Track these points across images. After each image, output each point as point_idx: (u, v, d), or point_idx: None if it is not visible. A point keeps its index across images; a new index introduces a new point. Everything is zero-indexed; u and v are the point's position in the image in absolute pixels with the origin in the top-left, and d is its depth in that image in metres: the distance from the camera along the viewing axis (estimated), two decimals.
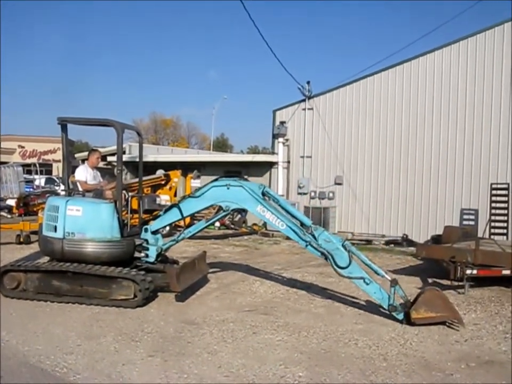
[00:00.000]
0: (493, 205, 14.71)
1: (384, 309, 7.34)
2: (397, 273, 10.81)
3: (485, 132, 15.55)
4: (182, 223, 8.74)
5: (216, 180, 8.21)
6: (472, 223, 15.24)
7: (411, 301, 7.13)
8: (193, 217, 14.74)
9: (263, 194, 7.98)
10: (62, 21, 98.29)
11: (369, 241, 16.04)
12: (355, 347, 6.13)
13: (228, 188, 8.03)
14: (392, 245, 15.44)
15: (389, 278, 7.31)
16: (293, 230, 7.78)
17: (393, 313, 7.16)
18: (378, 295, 7.30)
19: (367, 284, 7.34)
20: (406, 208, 16.80)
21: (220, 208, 17.47)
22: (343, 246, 7.51)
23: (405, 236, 16.09)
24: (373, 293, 7.35)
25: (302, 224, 7.94)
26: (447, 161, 16.17)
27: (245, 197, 7.97)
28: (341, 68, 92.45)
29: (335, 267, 7.45)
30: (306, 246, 7.69)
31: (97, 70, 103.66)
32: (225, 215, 8.54)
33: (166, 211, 8.40)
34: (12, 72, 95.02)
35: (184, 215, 8.31)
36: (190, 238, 8.98)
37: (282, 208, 8.13)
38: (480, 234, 13.80)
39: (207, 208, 8.33)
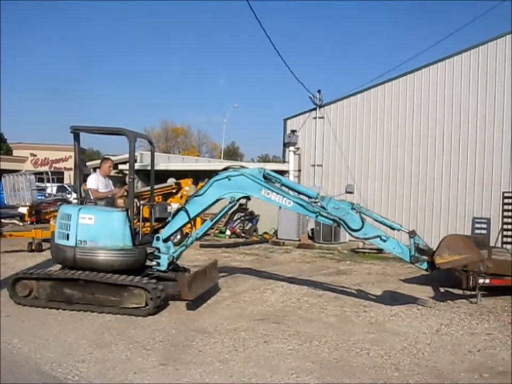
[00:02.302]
0: (505, 213, 14.55)
1: (406, 262, 7.57)
2: (408, 282, 10.80)
3: (496, 141, 15.52)
4: (190, 229, 8.75)
5: (216, 174, 8.21)
6: (484, 232, 15.15)
7: (434, 250, 7.17)
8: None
9: (265, 177, 8.01)
10: (68, 26, 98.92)
11: (380, 250, 15.91)
12: (367, 356, 6.09)
13: (229, 179, 8.04)
14: None
15: (407, 231, 7.37)
16: (300, 205, 7.90)
17: (416, 264, 7.32)
18: (397, 249, 7.43)
19: (384, 241, 7.47)
20: (417, 217, 16.73)
21: (232, 213, 17.52)
22: (353, 209, 7.58)
23: (416, 245, 15.96)
24: (392, 248, 7.47)
25: (309, 197, 8.11)
26: (458, 170, 16.13)
27: (247, 184, 8.00)
28: (352, 76, 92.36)
29: (350, 231, 7.60)
30: (317, 216, 7.81)
31: (108, 78, 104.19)
32: (231, 207, 8.49)
33: (173, 216, 8.41)
34: (22, 80, 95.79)
35: (192, 216, 8.32)
36: (199, 239, 8.96)
37: (286, 186, 8.21)
38: (492, 243, 13.69)
39: (213, 204, 8.27)
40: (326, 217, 7.73)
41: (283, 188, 8.23)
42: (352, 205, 7.74)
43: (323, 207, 7.75)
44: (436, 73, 16.75)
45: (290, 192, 8.26)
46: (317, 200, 7.93)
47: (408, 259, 7.42)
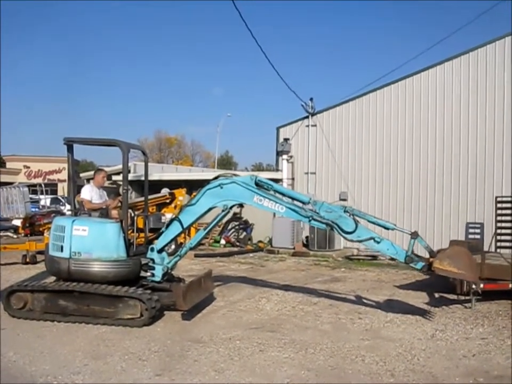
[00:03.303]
0: (499, 218, 14.60)
1: (401, 262, 7.61)
2: (403, 288, 10.83)
3: (488, 145, 15.60)
4: (184, 239, 8.75)
5: (208, 183, 8.23)
6: (478, 236, 15.19)
7: (436, 251, 7.36)
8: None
9: (257, 184, 8.05)
10: (61, 37, 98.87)
11: (374, 257, 15.97)
12: (362, 363, 6.10)
13: (221, 187, 8.06)
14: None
15: (409, 232, 7.49)
16: (293, 210, 7.96)
17: (411, 264, 7.39)
18: (391, 250, 7.48)
19: (378, 243, 7.52)
20: (411, 223, 16.74)
21: (227, 222, 17.52)
22: (346, 211, 7.65)
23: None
24: (386, 249, 7.54)
25: (302, 202, 8.18)
26: (451, 175, 16.20)
27: (239, 192, 8.04)
28: (344, 84, 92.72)
29: (343, 234, 7.66)
30: (310, 221, 7.87)
31: (101, 89, 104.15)
32: (224, 215, 8.48)
33: (167, 226, 8.40)
34: (15, 91, 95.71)
35: (185, 226, 8.33)
36: (193, 249, 8.96)
37: (278, 192, 8.26)
38: (486, 248, 13.74)
39: (206, 213, 8.28)
40: (319, 221, 7.78)
41: (276, 194, 8.27)
42: (345, 208, 7.79)
43: (316, 212, 7.79)
44: (427, 79, 16.86)
45: (284, 198, 8.31)
46: (309, 204, 7.98)
47: (402, 259, 7.47)
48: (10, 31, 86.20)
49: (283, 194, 8.39)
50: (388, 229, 7.84)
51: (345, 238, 7.77)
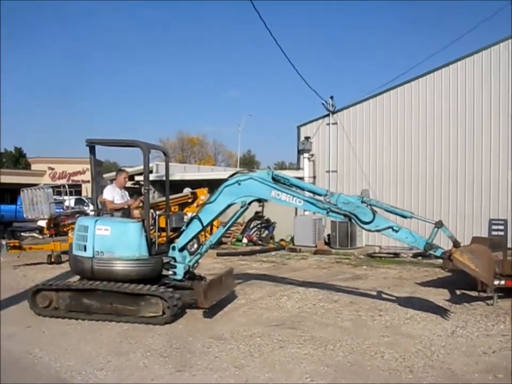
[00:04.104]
0: None
1: (419, 249, 7.78)
2: (425, 286, 10.80)
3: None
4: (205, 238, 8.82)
5: (226, 180, 8.32)
6: (501, 233, 15.06)
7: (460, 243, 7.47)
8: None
9: (273, 179, 8.12)
10: (78, 39, 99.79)
11: (397, 254, 15.94)
12: (381, 359, 6.14)
13: (239, 184, 8.17)
14: (420, 258, 15.27)
15: (432, 221, 7.62)
16: (310, 203, 8.05)
17: (430, 252, 7.47)
18: (410, 239, 7.54)
19: (396, 232, 7.58)
20: (434, 220, 16.67)
21: (249, 221, 17.58)
22: (363, 202, 7.70)
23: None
24: (404, 238, 7.58)
25: (319, 194, 8.30)
26: (473, 172, 16.07)
27: (257, 187, 8.13)
28: (364, 81, 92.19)
29: (361, 224, 7.74)
30: (328, 213, 7.94)
31: (123, 91, 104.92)
32: (243, 212, 8.51)
33: (187, 225, 8.51)
34: (37, 94, 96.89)
35: (205, 224, 8.43)
36: (213, 246, 9.01)
37: (295, 186, 8.32)
38: (509, 245, 13.63)
39: (225, 210, 8.36)
40: (337, 213, 7.84)
41: (293, 188, 8.34)
42: (362, 198, 7.83)
43: (333, 204, 7.85)
44: (447, 75, 16.72)
45: (301, 191, 8.38)
46: (326, 197, 8.05)
47: (422, 247, 7.51)
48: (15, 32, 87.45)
49: (300, 188, 8.46)
50: (405, 217, 7.87)
51: (363, 228, 7.82)
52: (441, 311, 8.38)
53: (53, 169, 49.42)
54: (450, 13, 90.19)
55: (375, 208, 7.79)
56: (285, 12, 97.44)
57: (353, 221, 7.77)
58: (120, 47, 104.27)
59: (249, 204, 8.32)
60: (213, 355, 6.32)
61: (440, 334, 7.20)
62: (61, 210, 21.00)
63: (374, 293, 10.00)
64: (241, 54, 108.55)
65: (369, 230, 7.82)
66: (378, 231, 7.71)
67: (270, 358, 6.20)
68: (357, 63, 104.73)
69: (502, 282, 8.75)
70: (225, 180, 8.31)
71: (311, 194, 8.55)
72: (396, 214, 7.94)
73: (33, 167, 50.86)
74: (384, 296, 9.74)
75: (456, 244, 7.41)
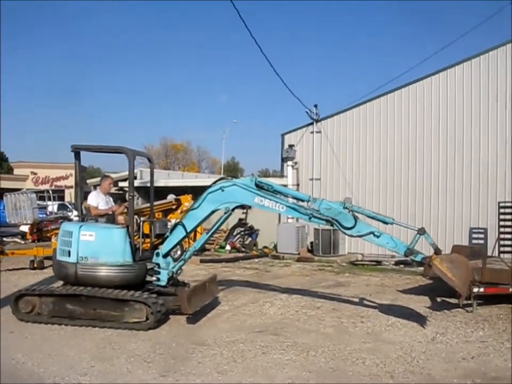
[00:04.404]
0: (501, 223, 14.70)
1: (400, 255, 7.77)
2: (406, 293, 10.93)
3: (491, 151, 15.71)
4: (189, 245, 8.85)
5: (209, 187, 8.39)
6: (481, 242, 15.28)
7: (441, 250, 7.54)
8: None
9: (257, 185, 8.21)
10: (65, 40, 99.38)
11: (379, 262, 16.09)
12: (362, 365, 6.22)
13: (223, 190, 8.25)
14: (402, 265, 15.42)
15: (415, 228, 7.67)
16: (293, 209, 8.17)
17: (411, 257, 7.50)
18: (391, 244, 7.61)
19: (378, 237, 7.66)
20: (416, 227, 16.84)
21: (232, 228, 17.61)
22: (345, 208, 7.79)
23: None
24: (385, 243, 7.66)
25: (301, 200, 8.41)
26: (455, 180, 16.30)
27: (240, 193, 8.21)
28: (348, 89, 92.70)
29: (343, 230, 7.82)
30: (310, 218, 8.03)
31: (106, 95, 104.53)
32: (227, 218, 8.57)
33: (171, 231, 8.55)
34: (21, 97, 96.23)
35: (189, 230, 8.47)
36: (197, 253, 9.03)
37: (278, 192, 8.41)
38: (489, 253, 13.81)
39: (209, 216, 8.45)
40: (319, 218, 7.93)
41: (276, 194, 8.42)
42: (344, 204, 7.93)
43: (316, 209, 7.95)
44: (430, 86, 16.98)
45: (284, 197, 8.46)
46: (309, 202, 8.15)
47: (402, 252, 7.58)
48: (14, 33, 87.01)
49: (283, 194, 8.55)
50: (387, 223, 7.97)
51: (345, 233, 7.93)
52: (421, 319, 8.49)
53: (35, 174, 49.07)
54: (436, 22, 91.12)
55: (357, 214, 7.90)
56: (271, 18, 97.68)
57: (335, 226, 7.87)
58: (104, 50, 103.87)
59: (233, 210, 8.39)
60: (196, 361, 6.36)
61: (420, 340, 7.31)
62: (44, 215, 20.91)
63: (356, 300, 10.11)
64: (226, 61, 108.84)
65: (351, 236, 7.92)
66: (360, 236, 7.81)
67: (252, 364, 6.26)
68: (341, 72, 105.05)
69: (481, 289, 8.91)
70: (209, 187, 8.38)
71: (294, 201, 8.65)
72: (378, 220, 8.05)
73: (16, 171, 50.46)
74: (366, 303, 9.86)
75: (437, 251, 7.52)
